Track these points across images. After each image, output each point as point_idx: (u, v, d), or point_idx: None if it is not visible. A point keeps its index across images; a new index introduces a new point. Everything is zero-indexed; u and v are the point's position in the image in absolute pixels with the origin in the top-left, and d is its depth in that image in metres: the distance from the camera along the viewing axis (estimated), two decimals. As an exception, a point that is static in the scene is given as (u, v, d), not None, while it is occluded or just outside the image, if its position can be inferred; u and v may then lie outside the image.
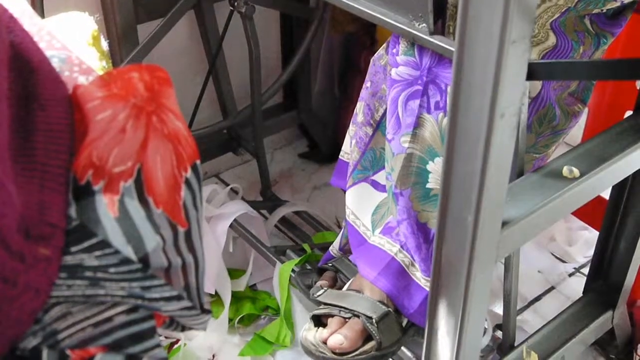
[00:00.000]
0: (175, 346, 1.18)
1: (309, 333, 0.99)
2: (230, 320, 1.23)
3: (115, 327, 0.45)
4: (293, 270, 1.18)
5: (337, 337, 0.96)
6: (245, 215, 1.31)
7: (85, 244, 0.43)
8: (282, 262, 1.21)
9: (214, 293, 1.25)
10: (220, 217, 1.27)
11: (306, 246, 1.25)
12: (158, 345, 0.46)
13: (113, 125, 0.45)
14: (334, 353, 0.95)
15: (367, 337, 0.97)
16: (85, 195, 0.44)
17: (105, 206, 0.44)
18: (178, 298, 0.46)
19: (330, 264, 1.12)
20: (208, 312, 0.52)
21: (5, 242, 0.39)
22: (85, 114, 0.45)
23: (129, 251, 0.43)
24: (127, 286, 0.44)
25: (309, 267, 1.19)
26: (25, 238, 0.41)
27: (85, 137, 0.44)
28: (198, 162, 0.50)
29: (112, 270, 0.43)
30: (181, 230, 0.48)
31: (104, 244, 0.43)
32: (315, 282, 1.09)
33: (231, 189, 1.40)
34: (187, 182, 0.49)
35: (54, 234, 0.42)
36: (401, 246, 0.98)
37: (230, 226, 1.26)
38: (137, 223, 0.44)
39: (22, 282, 0.41)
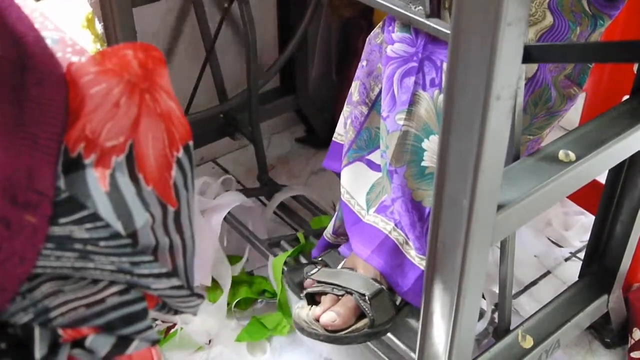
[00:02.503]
0: (172, 330, 1.19)
1: (302, 311, 0.98)
2: (227, 304, 1.23)
3: (107, 309, 0.45)
4: (286, 263, 1.17)
5: (330, 314, 0.95)
6: (242, 205, 1.30)
7: (76, 216, 0.43)
8: (276, 254, 1.21)
9: (209, 285, 1.24)
10: (215, 209, 1.26)
11: (300, 235, 1.25)
12: (150, 327, 0.46)
13: (107, 99, 0.45)
14: (327, 330, 0.95)
15: (360, 315, 0.97)
16: (75, 168, 0.44)
17: (96, 180, 0.44)
18: (167, 275, 0.46)
19: (320, 259, 1.11)
20: (200, 296, 0.52)
21: None
22: (80, 88, 0.45)
23: (118, 226, 0.43)
24: (116, 260, 0.44)
25: (303, 261, 1.19)
26: (12, 204, 0.41)
27: (81, 111, 0.44)
28: (190, 143, 0.50)
29: (102, 243, 0.43)
30: (171, 209, 0.48)
31: (95, 216, 0.43)
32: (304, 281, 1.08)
33: (224, 179, 1.39)
34: (179, 162, 0.49)
35: (41, 201, 0.42)
36: (395, 224, 0.98)
37: (225, 219, 1.25)
38: (127, 199, 0.44)
39: (6, 248, 0.41)
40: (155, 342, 0.47)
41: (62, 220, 0.43)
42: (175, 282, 0.48)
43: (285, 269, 1.16)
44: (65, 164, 0.44)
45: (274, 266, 1.19)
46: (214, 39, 1.36)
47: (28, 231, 0.42)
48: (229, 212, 1.26)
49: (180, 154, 0.49)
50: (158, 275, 0.46)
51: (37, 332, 0.44)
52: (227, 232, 1.31)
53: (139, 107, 0.46)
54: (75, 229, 0.43)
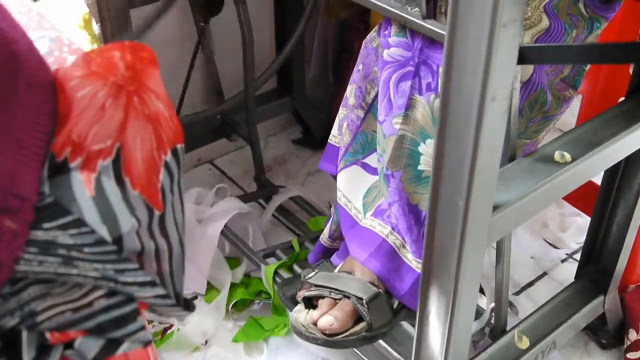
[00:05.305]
0: (169, 331, 1.18)
1: (299, 315, 0.98)
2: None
3: (95, 312, 0.44)
4: (280, 275, 1.17)
5: (328, 318, 0.95)
6: (239, 212, 1.30)
7: (60, 221, 0.42)
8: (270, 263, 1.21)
9: (204, 293, 1.25)
10: (212, 218, 1.26)
11: (295, 243, 1.25)
12: (142, 328, 0.46)
13: (93, 102, 0.44)
14: (324, 334, 0.95)
15: (358, 319, 0.97)
16: (61, 172, 0.43)
17: (82, 184, 0.43)
18: (152, 284, 0.46)
19: (314, 270, 1.10)
20: (187, 307, 0.51)
21: None
22: (68, 94, 0.44)
23: (103, 231, 0.43)
24: (100, 267, 0.43)
25: (296, 269, 1.18)
26: None
27: (68, 115, 0.44)
28: (179, 145, 0.49)
29: (86, 250, 0.43)
30: (156, 213, 0.47)
31: (80, 222, 0.42)
32: (298, 291, 1.07)
33: (218, 188, 1.39)
34: (167, 166, 0.48)
35: (22, 207, 0.41)
36: (392, 228, 0.98)
37: (221, 232, 1.25)
38: (113, 203, 0.44)
39: None
40: (147, 343, 0.46)
41: (46, 225, 0.42)
42: (159, 291, 0.47)
43: (279, 281, 1.16)
44: (51, 168, 0.43)
45: (266, 275, 1.19)
46: (198, 42, 1.35)
47: (7, 237, 0.41)
48: (225, 226, 1.26)
49: (169, 157, 0.48)
50: (142, 284, 0.46)
51: (24, 336, 0.43)
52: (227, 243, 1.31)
53: (125, 110, 0.45)
54: (59, 234, 0.42)
